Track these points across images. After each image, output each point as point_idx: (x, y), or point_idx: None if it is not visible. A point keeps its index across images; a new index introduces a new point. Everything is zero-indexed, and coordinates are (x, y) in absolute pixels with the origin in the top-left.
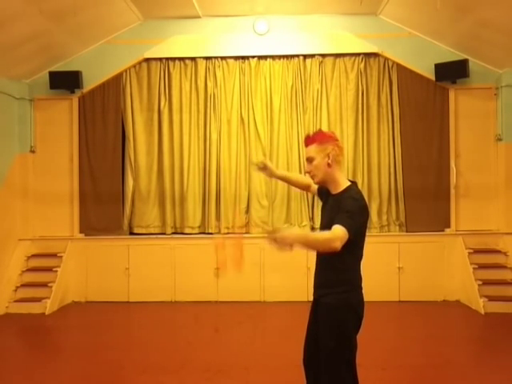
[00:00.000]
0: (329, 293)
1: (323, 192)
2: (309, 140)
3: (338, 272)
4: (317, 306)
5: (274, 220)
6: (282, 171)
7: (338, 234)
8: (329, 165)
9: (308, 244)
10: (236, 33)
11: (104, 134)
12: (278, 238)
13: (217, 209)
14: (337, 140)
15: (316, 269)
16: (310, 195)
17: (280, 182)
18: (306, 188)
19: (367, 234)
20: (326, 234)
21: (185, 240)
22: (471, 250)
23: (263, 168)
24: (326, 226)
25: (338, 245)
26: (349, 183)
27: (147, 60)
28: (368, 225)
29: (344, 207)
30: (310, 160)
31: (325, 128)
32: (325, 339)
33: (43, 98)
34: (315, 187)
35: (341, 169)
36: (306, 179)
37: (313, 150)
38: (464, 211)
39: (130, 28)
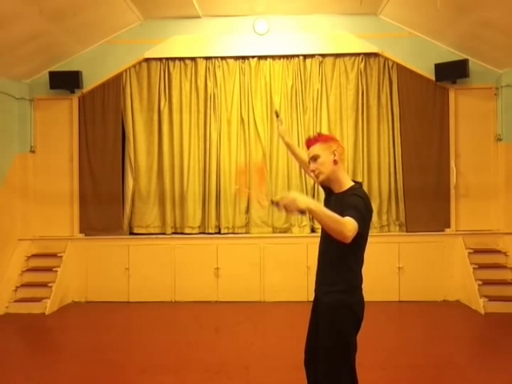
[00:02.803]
0: (328, 291)
1: (325, 187)
2: (311, 141)
3: (338, 271)
4: (317, 304)
5: (274, 220)
6: (290, 139)
7: (351, 223)
8: (335, 161)
9: (320, 215)
10: (236, 33)
11: (104, 134)
12: (289, 200)
13: (217, 209)
14: (338, 141)
15: (317, 266)
16: (309, 195)
17: (280, 182)
18: (304, 164)
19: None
20: (339, 217)
21: (185, 240)
22: (471, 250)
23: (280, 123)
24: None
25: (350, 234)
26: (353, 183)
27: (147, 60)
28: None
29: (350, 203)
30: (314, 158)
31: (325, 128)
32: (323, 339)
33: (43, 98)
34: None
35: (345, 168)
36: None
37: (317, 148)
38: (464, 211)
39: (130, 28)
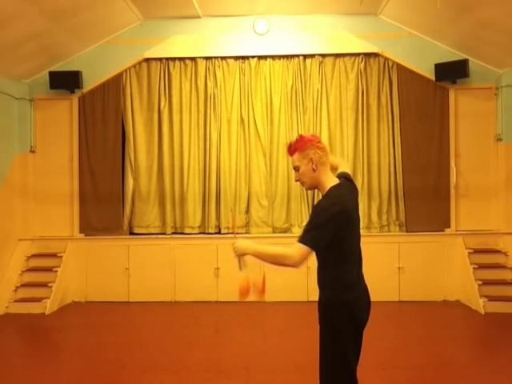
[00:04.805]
0: (322, 290)
1: None
2: (291, 150)
3: (328, 270)
4: (318, 302)
5: (274, 220)
6: None
7: (295, 252)
8: (314, 170)
9: (259, 256)
10: (236, 33)
11: (104, 134)
12: (234, 248)
13: (217, 209)
14: (318, 142)
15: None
16: (309, 195)
17: (280, 182)
18: None
19: (367, 233)
20: (281, 249)
21: (185, 240)
22: (471, 250)
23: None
24: None
25: (293, 262)
26: (335, 182)
27: (147, 60)
28: (368, 224)
29: (311, 218)
30: (296, 169)
31: (325, 128)
32: (320, 336)
33: (43, 98)
34: None
35: (327, 170)
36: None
37: (296, 159)
38: (464, 211)
39: (130, 28)
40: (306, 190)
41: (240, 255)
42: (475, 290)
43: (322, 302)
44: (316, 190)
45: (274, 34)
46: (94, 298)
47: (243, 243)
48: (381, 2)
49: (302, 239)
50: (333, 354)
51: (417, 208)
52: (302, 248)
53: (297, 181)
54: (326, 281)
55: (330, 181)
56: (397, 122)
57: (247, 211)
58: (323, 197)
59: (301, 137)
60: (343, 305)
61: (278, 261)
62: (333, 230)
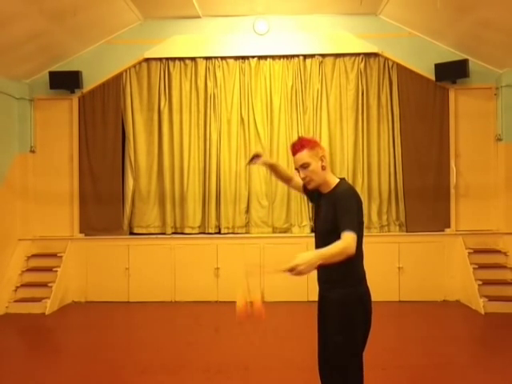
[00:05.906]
0: (333, 287)
1: (312, 192)
2: (297, 147)
3: (339, 266)
4: (323, 302)
5: (274, 220)
6: (271, 160)
7: (350, 240)
8: (323, 167)
9: (327, 261)
10: (236, 33)
11: (104, 134)
12: (296, 270)
13: (217, 209)
14: (320, 143)
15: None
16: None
17: (280, 182)
18: (287, 181)
19: (367, 233)
20: (338, 245)
21: (185, 240)
22: (471, 250)
23: (256, 158)
24: (323, 225)
25: (352, 250)
26: (337, 180)
27: (147, 60)
28: (368, 224)
29: (341, 206)
30: (304, 166)
31: (325, 128)
32: (332, 335)
33: (43, 98)
34: (298, 182)
35: (330, 169)
36: (290, 173)
37: (306, 155)
38: (464, 211)
39: (130, 28)
40: (311, 188)
41: (306, 272)
42: (475, 290)
43: (333, 301)
44: None
45: (273, 34)
46: (94, 298)
47: (308, 260)
48: (381, 1)
49: (349, 227)
50: (346, 350)
51: (417, 208)
52: (352, 235)
53: (303, 178)
54: (338, 277)
55: (334, 178)
56: (397, 122)
57: (247, 211)
58: (334, 188)
59: (303, 137)
60: (360, 300)
61: (343, 256)
62: (358, 213)
